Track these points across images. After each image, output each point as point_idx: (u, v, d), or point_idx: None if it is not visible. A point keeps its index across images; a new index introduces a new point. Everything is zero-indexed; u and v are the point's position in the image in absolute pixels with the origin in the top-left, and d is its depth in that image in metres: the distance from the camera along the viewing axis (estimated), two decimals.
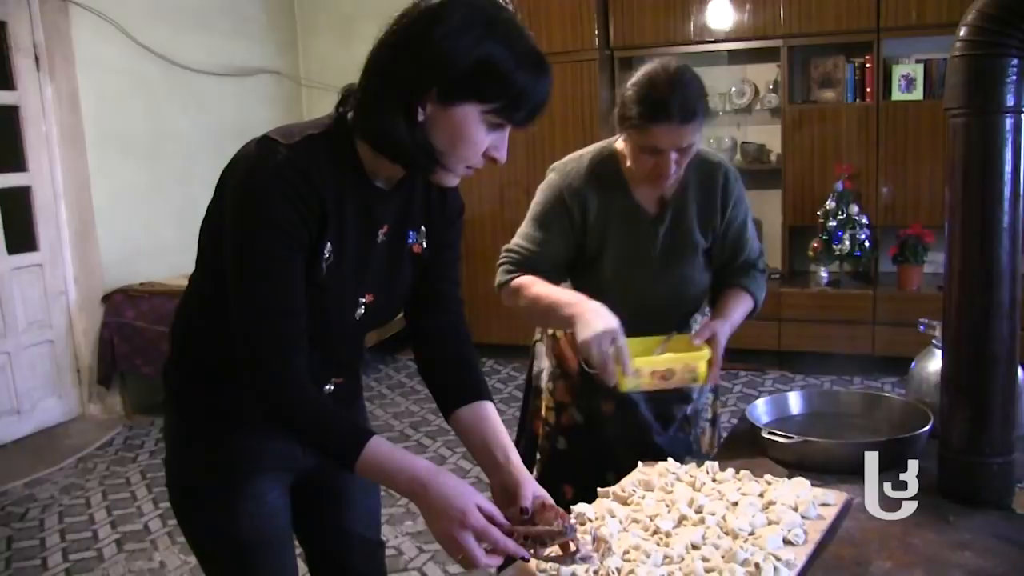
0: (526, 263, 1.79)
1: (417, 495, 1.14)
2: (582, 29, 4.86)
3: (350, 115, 1.18)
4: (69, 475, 3.72)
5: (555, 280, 1.77)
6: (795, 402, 1.73)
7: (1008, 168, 1.26)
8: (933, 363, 1.60)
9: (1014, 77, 1.23)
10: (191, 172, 4.76)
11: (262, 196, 1.12)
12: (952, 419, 1.35)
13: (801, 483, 1.36)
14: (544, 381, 1.96)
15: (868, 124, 4.51)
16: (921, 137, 4.45)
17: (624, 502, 1.35)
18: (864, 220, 4.50)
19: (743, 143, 5.00)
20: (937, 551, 1.19)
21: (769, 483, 1.38)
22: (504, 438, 1.31)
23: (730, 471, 1.43)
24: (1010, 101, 1.24)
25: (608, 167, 1.81)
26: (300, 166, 1.13)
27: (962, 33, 1.26)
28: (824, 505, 1.31)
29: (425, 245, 1.34)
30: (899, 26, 4.39)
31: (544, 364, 1.98)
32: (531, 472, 1.97)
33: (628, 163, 1.75)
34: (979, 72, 1.25)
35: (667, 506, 1.31)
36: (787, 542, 1.19)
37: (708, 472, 1.43)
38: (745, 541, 1.18)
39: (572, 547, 1.16)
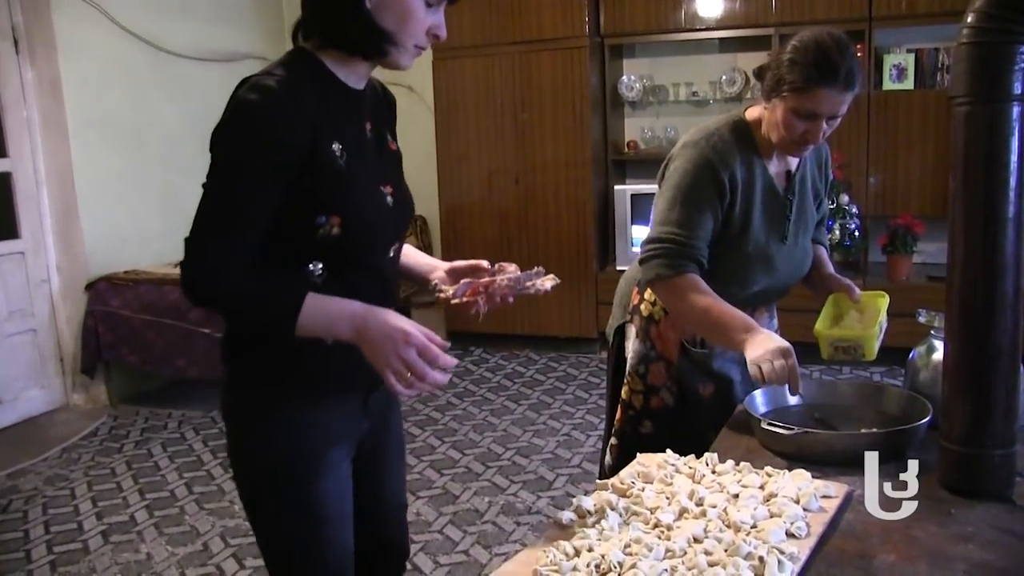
0: (685, 253, 1.71)
1: (359, 329, 1.19)
2: (572, 16, 4.82)
3: (306, 44, 1.30)
4: (53, 466, 3.68)
5: (705, 268, 1.74)
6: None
7: (1014, 157, 1.24)
8: (934, 354, 1.59)
9: (1022, 65, 1.21)
10: (176, 159, 4.69)
11: (252, 118, 1.21)
12: (953, 410, 1.33)
13: (802, 475, 1.35)
14: (632, 364, 1.92)
15: (859, 114, 4.48)
16: (912, 127, 4.45)
17: (623, 494, 1.34)
18: (854, 210, 4.50)
19: None
20: (940, 544, 1.18)
21: (769, 475, 1.36)
22: (428, 256, 1.56)
23: (730, 463, 1.41)
24: (1017, 89, 1.22)
25: (746, 138, 1.77)
26: (292, 91, 1.22)
27: (969, 20, 1.24)
28: (825, 497, 1.29)
29: (392, 141, 1.44)
30: (890, 15, 4.38)
31: (634, 347, 1.93)
32: (606, 457, 1.97)
33: (764, 132, 1.73)
34: (986, 59, 1.23)
35: (667, 498, 1.29)
36: (790, 535, 1.18)
37: (707, 464, 1.42)
38: (747, 534, 1.17)
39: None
